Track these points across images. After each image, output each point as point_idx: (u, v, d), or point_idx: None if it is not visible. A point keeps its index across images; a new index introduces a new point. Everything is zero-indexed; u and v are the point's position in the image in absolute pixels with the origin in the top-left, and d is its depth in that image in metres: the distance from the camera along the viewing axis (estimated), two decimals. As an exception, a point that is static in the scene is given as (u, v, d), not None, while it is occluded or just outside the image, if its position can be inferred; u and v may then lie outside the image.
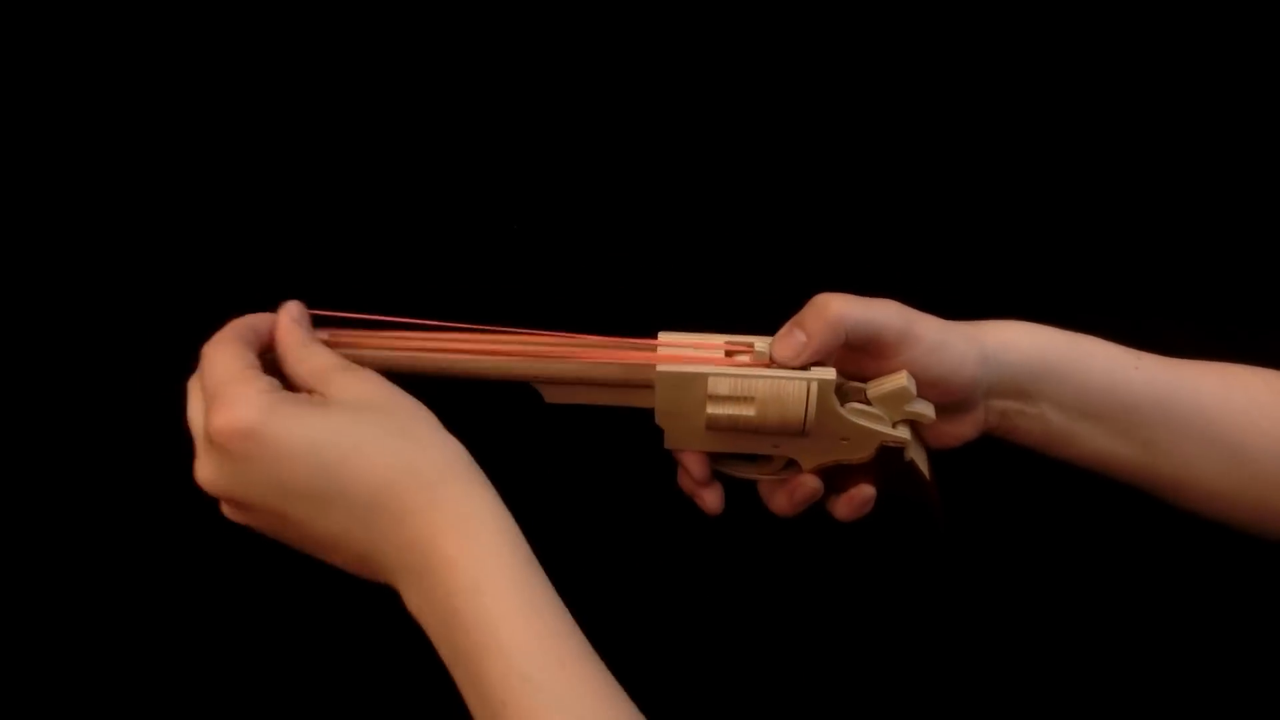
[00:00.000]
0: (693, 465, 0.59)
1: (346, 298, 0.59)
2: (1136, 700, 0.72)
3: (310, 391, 0.51)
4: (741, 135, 0.67)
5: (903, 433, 0.57)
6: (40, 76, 0.65)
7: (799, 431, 0.56)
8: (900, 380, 0.55)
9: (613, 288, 0.64)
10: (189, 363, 0.68)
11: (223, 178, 0.67)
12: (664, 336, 0.57)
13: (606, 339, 0.57)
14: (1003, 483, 0.68)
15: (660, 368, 0.55)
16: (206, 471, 0.50)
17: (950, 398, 0.57)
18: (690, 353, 0.56)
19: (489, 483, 0.50)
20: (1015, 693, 0.72)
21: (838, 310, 0.54)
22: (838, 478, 0.59)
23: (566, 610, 0.47)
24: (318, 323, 0.57)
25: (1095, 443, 0.58)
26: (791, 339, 0.55)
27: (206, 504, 0.70)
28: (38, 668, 0.71)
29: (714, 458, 0.61)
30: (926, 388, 0.56)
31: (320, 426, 0.48)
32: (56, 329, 0.69)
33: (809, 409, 0.54)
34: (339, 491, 0.47)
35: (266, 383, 0.49)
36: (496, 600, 0.46)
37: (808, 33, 0.65)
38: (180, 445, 0.69)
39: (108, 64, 0.64)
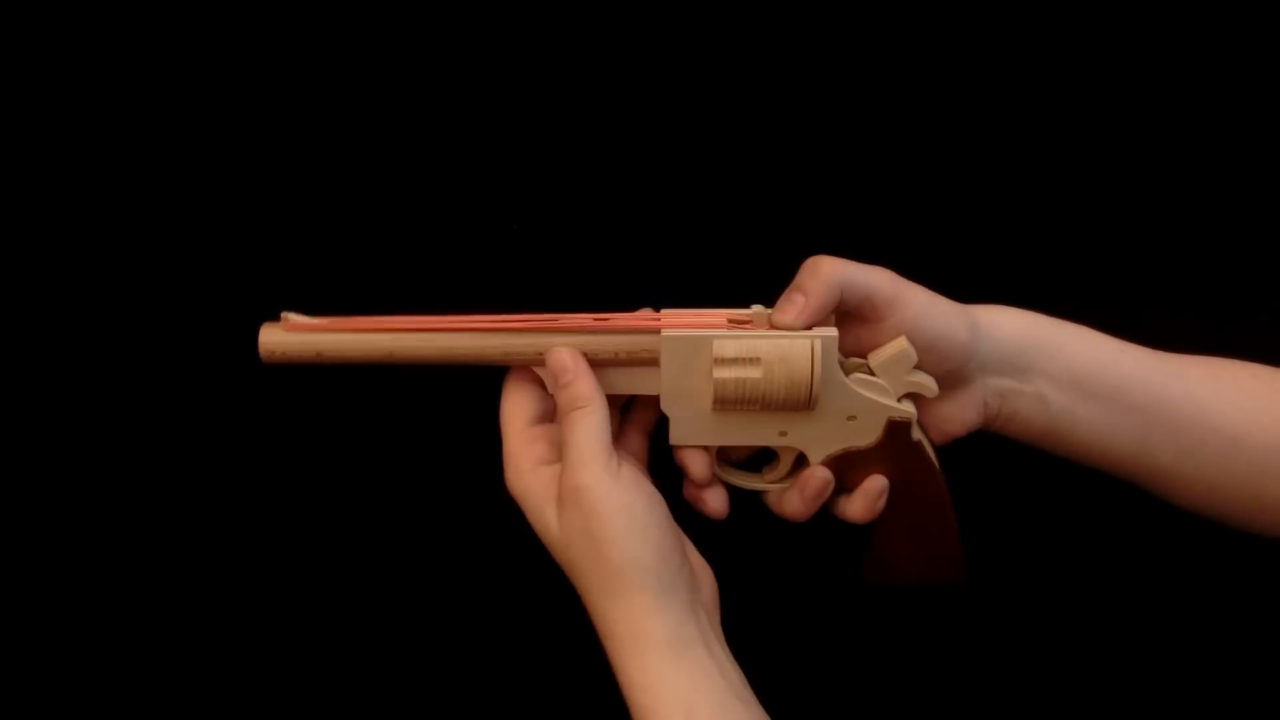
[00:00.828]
0: (695, 464, 0.59)
1: (345, 300, 0.60)
2: (1136, 699, 0.70)
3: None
4: (729, 131, 0.68)
5: (908, 407, 0.57)
6: (41, 77, 0.66)
7: (806, 401, 0.56)
8: (901, 343, 0.56)
9: (611, 284, 0.64)
10: (182, 360, 0.69)
11: (221, 178, 0.67)
12: (667, 311, 0.58)
13: (609, 314, 0.57)
14: (1004, 484, 0.67)
15: (665, 332, 0.56)
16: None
17: (945, 365, 0.57)
18: (694, 320, 0.57)
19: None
20: (1017, 692, 0.71)
21: (831, 266, 0.56)
22: (847, 472, 0.59)
23: None
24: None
25: (1095, 426, 0.58)
26: (790, 302, 0.56)
27: (204, 504, 0.70)
28: (37, 668, 0.70)
29: (721, 467, 0.60)
30: (920, 355, 0.56)
31: (621, 501, 0.55)
32: (54, 329, 0.69)
33: (814, 368, 0.55)
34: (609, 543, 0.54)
35: (605, 459, 0.56)
36: None
37: (802, 28, 0.67)
38: (175, 443, 0.70)
39: (107, 65, 0.66)
